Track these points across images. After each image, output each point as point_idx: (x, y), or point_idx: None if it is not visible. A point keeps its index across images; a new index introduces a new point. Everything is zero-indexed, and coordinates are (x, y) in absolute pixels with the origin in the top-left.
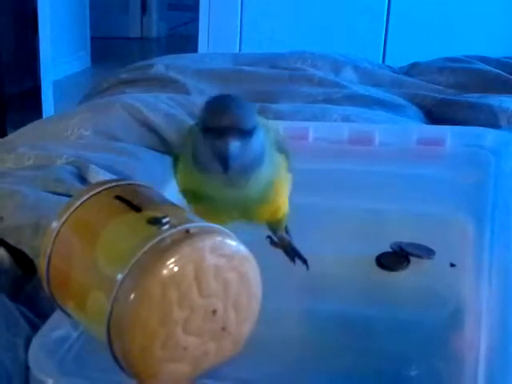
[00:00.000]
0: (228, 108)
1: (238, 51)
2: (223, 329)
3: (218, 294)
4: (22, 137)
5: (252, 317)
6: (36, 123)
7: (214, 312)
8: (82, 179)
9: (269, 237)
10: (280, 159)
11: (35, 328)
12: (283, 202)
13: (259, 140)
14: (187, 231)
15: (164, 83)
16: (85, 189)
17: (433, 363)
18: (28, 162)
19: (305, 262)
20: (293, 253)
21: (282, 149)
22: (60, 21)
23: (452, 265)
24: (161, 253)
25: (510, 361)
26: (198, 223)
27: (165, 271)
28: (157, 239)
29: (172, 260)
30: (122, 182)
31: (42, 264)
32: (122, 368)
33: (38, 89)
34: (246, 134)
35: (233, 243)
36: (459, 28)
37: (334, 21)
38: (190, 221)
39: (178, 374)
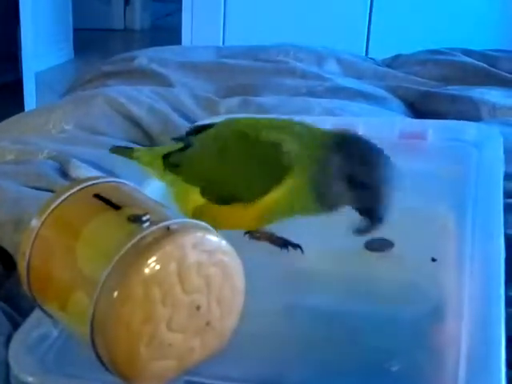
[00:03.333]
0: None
1: (221, 43)
2: (208, 324)
3: (201, 289)
4: (3, 131)
5: (236, 310)
6: (17, 117)
7: (198, 308)
8: (64, 174)
9: (247, 232)
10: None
11: (16, 325)
12: None
13: None
14: (168, 228)
15: (146, 76)
16: (63, 188)
17: (414, 357)
18: (9, 156)
19: (297, 246)
20: (281, 241)
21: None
22: (42, 12)
23: (433, 259)
24: (142, 251)
25: (491, 354)
26: (178, 219)
27: (147, 270)
28: (137, 237)
29: (154, 258)
30: (100, 180)
31: (21, 265)
32: (106, 368)
33: (20, 81)
34: None
35: (214, 238)
36: (442, 20)
37: (317, 13)
38: (170, 217)
39: (164, 371)
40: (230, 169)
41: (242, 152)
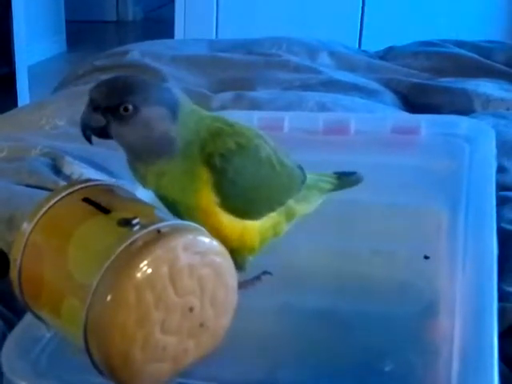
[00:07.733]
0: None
1: (214, 36)
2: (201, 325)
3: (194, 291)
4: None
5: (230, 309)
6: (9, 113)
7: (191, 309)
8: (57, 171)
9: None
10: (200, 172)
11: (10, 325)
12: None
13: (147, 124)
14: (158, 231)
15: (139, 70)
16: (51, 193)
17: (407, 357)
18: (1, 153)
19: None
20: None
21: (214, 164)
22: (34, 4)
23: (426, 257)
24: (133, 255)
25: (484, 352)
26: (168, 222)
27: (138, 274)
28: (128, 241)
29: (145, 262)
30: (89, 184)
31: (13, 271)
32: (101, 372)
33: (13, 74)
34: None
35: (205, 239)
36: (434, 12)
37: (309, 6)
38: (160, 220)
39: (158, 374)
40: None
41: None
